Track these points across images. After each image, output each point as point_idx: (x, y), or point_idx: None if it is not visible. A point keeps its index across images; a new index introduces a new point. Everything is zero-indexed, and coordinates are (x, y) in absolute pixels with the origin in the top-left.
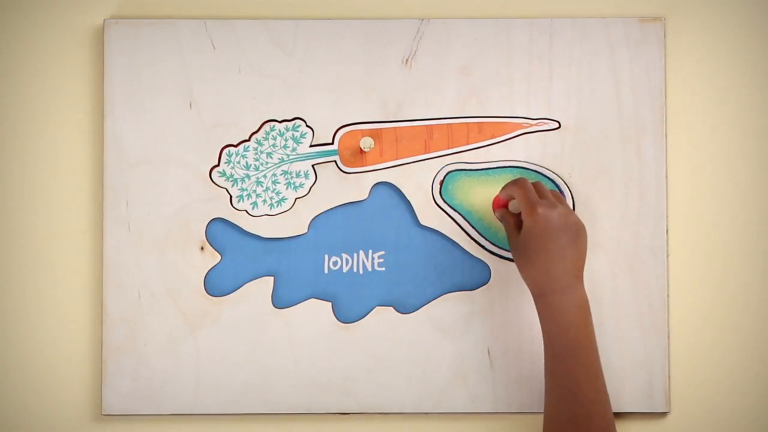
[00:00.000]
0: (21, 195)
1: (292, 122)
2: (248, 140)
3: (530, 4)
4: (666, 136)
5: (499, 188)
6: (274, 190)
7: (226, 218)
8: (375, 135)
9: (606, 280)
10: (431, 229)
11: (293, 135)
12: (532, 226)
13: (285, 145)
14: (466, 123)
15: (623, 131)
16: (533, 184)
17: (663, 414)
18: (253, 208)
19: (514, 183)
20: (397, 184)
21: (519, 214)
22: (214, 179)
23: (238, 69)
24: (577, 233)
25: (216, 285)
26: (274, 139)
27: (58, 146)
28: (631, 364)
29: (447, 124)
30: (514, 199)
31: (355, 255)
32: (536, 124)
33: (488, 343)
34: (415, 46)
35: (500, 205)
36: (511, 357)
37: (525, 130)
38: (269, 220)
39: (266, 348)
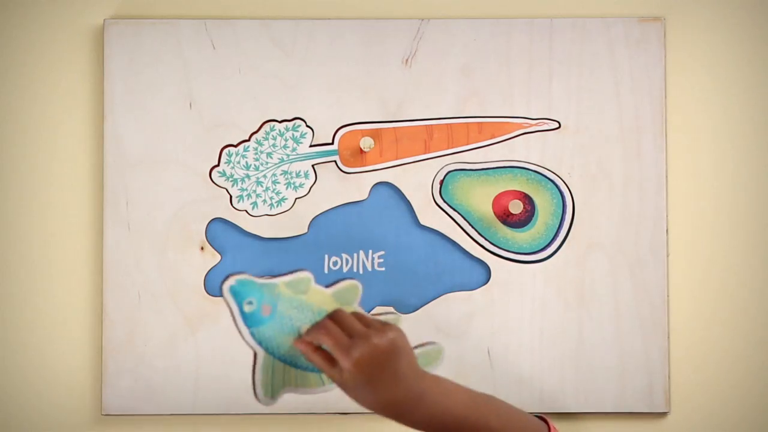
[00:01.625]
0: (21, 195)
1: (292, 122)
2: (248, 140)
3: (530, 4)
4: (666, 136)
5: (499, 188)
6: (274, 190)
7: (226, 218)
8: (375, 135)
9: (606, 280)
10: (431, 229)
11: (293, 135)
12: (353, 372)
13: (285, 145)
14: (466, 123)
15: (623, 131)
16: (333, 315)
17: (663, 414)
18: (253, 208)
19: (318, 328)
20: (397, 184)
21: (324, 350)
22: (214, 179)
23: (238, 69)
24: (394, 351)
25: (216, 285)
26: (274, 139)
27: (58, 146)
28: (631, 364)
29: (447, 124)
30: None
31: (355, 255)
32: (536, 124)
33: (488, 343)
34: (415, 46)
35: (305, 347)
36: (511, 357)
37: (525, 130)
38: (269, 220)
39: None
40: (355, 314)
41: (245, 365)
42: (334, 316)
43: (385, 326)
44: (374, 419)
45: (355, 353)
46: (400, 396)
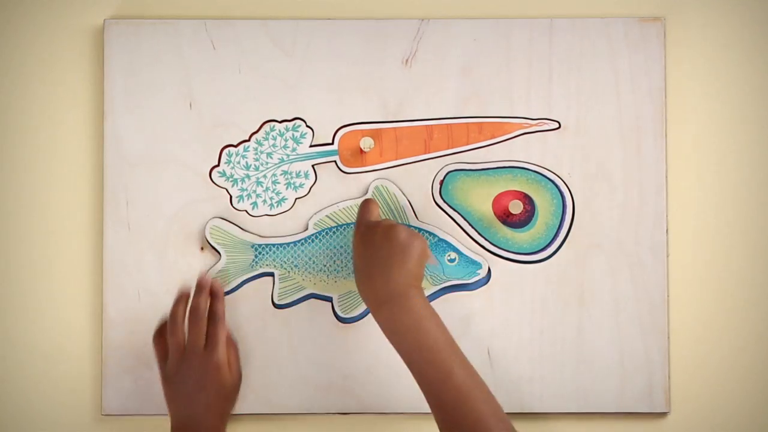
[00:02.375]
0: (21, 195)
1: (292, 122)
2: (248, 140)
3: (530, 4)
4: (666, 136)
5: (499, 188)
6: (274, 190)
7: (226, 218)
8: (375, 135)
9: (606, 280)
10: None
11: (293, 135)
12: (356, 245)
13: (285, 145)
14: (466, 123)
15: (623, 131)
16: (368, 203)
17: (663, 414)
18: (253, 208)
19: (361, 204)
20: (397, 184)
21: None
22: (214, 179)
23: (238, 69)
24: (403, 246)
25: None
26: (274, 139)
27: (58, 146)
28: (631, 364)
29: (447, 124)
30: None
31: None
32: (536, 124)
33: (488, 343)
34: (415, 46)
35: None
36: (511, 357)
37: (525, 130)
38: (269, 220)
39: (266, 348)
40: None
41: (244, 365)
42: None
43: (411, 230)
44: (374, 419)
45: (361, 228)
46: (381, 284)
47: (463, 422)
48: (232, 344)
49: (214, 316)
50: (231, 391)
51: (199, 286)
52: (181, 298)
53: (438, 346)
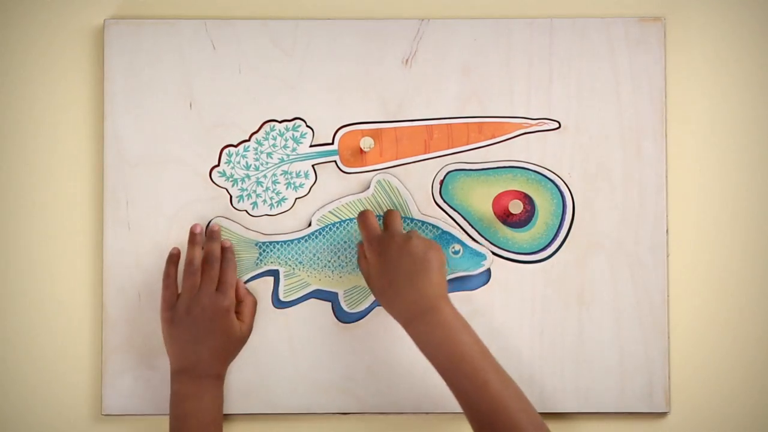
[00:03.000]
0: (21, 195)
1: (292, 122)
2: (248, 140)
3: (530, 4)
4: (666, 136)
5: (499, 188)
6: (274, 190)
7: (226, 218)
8: (375, 135)
9: (606, 280)
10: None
11: (293, 135)
12: (373, 261)
13: (285, 145)
14: (466, 123)
15: (623, 131)
16: (387, 214)
17: (663, 414)
18: (253, 208)
19: (358, 218)
20: (397, 185)
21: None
22: (214, 179)
23: (238, 69)
24: (422, 259)
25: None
26: (274, 139)
27: (58, 146)
28: (631, 364)
29: (447, 124)
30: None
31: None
32: (536, 124)
33: (488, 342)
34: (415, 46)
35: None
36: (511, 357)
37: (525, 130)
38: (269, 220)
39: (266, 348)
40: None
41: (244, 365)
42: (385, 214)
43: (426, 240)
44: (374, 419)
45: (375, 244)
46: (410, 299)
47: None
48: (249, 297)
49: (225, 263)
50: (238, 339)
51: (211, 234)
52: (196, 243)
53: (472, 357)
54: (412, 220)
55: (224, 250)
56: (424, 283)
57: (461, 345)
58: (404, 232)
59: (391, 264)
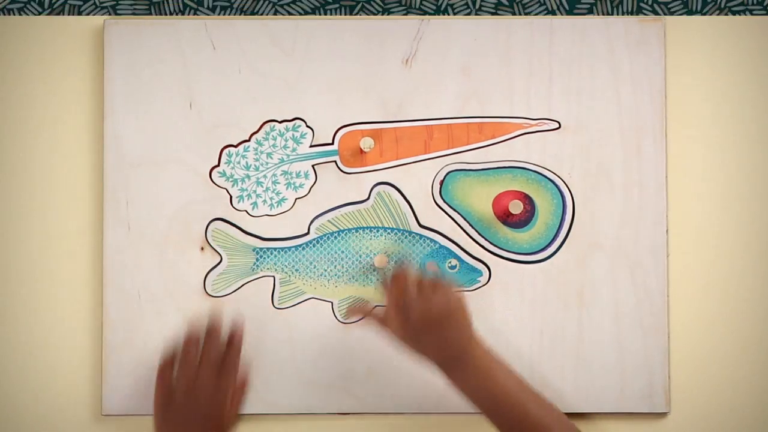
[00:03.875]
0: (21, 195)
1: (292, 122)
2: (248, 140)
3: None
4: (666, 136)
5: (499, 188)
6: (274, 190)
7: (226, 218)
8: (375, 135)
9: (606, 280)
10: (431, 229)
11: (293, 135)
12: (399, 330)
13: (285, 145)
14: (466, 123)
15: (623, 131)
16: (396, 275)
17: (663, 414)
18: (253, 208)
19: (383, 285)
20: (397, 185)
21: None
22: (214, 179)
23: (238, 69)
24: (447, 314)
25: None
26: (274, 139)
27: (58, 146)
28: (631, 364)
29: (447, 124)
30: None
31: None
32: (536, 124)
33: (488, 342)
34: (415, 46)
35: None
36: (512, 357)
37: (525, 130)
38: (269, 220)
39: (266, 348)
40: (417, 277)
41: (245, 365)
42: (397, 274)
43: (438, 290)
44: (374, 419)
45: (399, 314)
46: (444, 355)
47: None
48: (241, 386)
49: (229, 349)
50: (227, 427)
51: (215, 331)
52: (194, 338)
53: (510, 392)
54: (410, 233)
55: (230, 342)
56: (456, 329)
57: (497, 383)
58: (425, 290)
59: (415, 331)
